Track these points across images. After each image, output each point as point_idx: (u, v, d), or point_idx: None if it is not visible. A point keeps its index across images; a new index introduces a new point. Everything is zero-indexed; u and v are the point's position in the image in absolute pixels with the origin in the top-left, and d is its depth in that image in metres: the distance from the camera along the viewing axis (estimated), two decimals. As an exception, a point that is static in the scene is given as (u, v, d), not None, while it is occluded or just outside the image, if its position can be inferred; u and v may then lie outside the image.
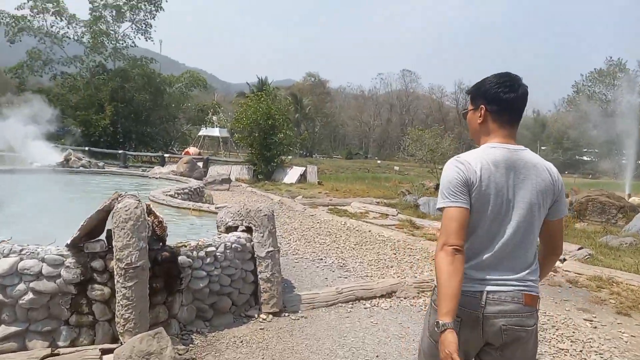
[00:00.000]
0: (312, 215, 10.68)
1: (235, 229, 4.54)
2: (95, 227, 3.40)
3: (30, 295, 3.18)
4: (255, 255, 4.38)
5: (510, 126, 1.85)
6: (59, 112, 28.33)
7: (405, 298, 5.17)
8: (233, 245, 4.18)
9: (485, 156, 1.79)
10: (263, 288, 4.33)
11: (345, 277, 5.97)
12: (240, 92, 48.62)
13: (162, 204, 6.55)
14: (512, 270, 1.78)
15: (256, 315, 4.26)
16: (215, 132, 33.75)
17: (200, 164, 20.47)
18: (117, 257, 3.25)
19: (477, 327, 1.75)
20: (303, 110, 52.48)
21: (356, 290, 5.02)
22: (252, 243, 4.39)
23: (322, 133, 63.02)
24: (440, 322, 1.64)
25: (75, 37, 30.28)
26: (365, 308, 4.81)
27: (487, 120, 1.87)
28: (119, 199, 3.44)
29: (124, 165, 22.75)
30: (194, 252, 3.82)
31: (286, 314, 4.41)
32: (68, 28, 30.02)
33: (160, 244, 3.66)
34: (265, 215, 4.40)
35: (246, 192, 15.00)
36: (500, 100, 1.83)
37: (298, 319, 4.35)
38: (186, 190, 8.39)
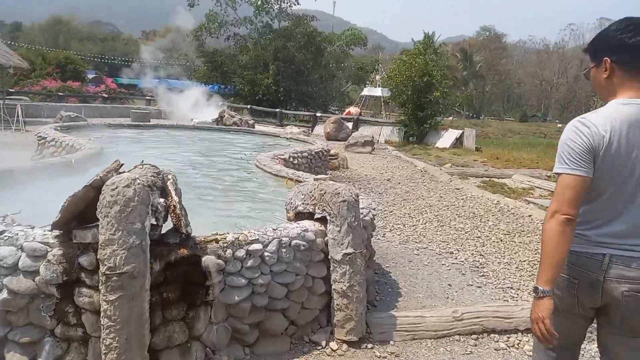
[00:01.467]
0: (458, 190, 8.87)
1: (310, 216, 3.30)
2: (87, 208, 2.47)
3: (4, 295, 2.42)
4: (329, 257, 3.10)
5: None
6: (231, 71, 30.35)
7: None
8: (294, 242, 2.95)
9: (616, 115, 1.62)
10: (337, 305, 3.06)
11: (479, 287, 4.33)
12: (405, 49, 46.13)
13: (263, 169, 5.63)
14: None
15: (324, 343, 3.02)
16: (377, 91, 32.44)
17: (349, 124, 19.59)
18: (99, 257, 2.28)
19: (594, 291, 1.67)
20: (473, 68, 47.79)
21: (485, 317, 3.41)
22: (326, 239, 3.11)
23: (494, 92, 56.94)
24: (539, 288, 1.62)
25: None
26: (496, 350, 3.20)
27: (614, 74, 1.67)
28: (115, 172, 2.45)
29: (279, 123, 23.13)
30: (228, 251, 2.70)
31: (369, 345, 3.09)
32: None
33: (179, 237, 2.61)
34: (345, 201, 3.04)
35: (389, 157, 13.60)
36: (627, 47, 1.63)
37: (386, 357, 2.99)
38: (305, 154, 7.41)
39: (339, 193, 3.09)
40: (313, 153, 7.64)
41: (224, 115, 15.86)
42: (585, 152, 1.60)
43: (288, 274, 2.94)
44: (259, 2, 30.24)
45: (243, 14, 31.92)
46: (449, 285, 4.35)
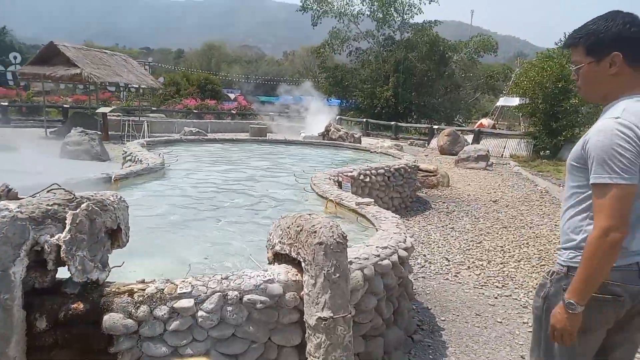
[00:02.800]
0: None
1: (290, 259, 2.48)
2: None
3: None
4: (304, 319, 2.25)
5: None
6: (352, 85, 30.26)
7: None
8: (248, 298, 2.17)
9: None
10: (310, 389, 2.18)
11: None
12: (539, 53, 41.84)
13: (313, 189, 4.91)
14: None
15: None
16: (514, 101, 29.51)
17: (468, 137, 17.86)
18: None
19: (633, 301, 1.61)
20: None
21: None
22: (302, 293, 2.27)
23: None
24: (576, 304, 1.54)
25: (368, 13, 31.26)
26: None
27: (624, 70, 1.58)
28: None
29: (395, 137, 22.14)
30: (143, 308, 2.02)
31: None
32: (362, 4, 31.25)
33: (78, 286, 2.01)
34: (321, 244, 2.17)
35: (506, 174, 11.80)
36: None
37: None
38: (380, 171, 6.48)
39: (315, 232, 2.23)
40: (392, 170, 6.67)
41: (330, 129, 15.49)
42: (637, 157, 1.48)
43: (237, 341, 2.16)
44: (381, 15, 29.73)
45: (365, 28, 31.71)
46: (522, 358, 3.13)
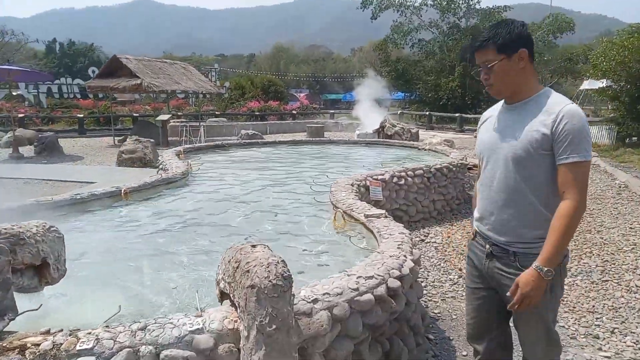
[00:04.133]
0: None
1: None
2: None
3: None
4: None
5: None
6: (415, 78, 29.11)
7: None
8: (167, 354, 1.77)
9: None
10: None
11: None
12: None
13: (331, 201, 4.43)
14: None
15: None
16: (598, 84, 26.80)
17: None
18: None
19: None
20: None
21: None
22: (242, 344, 1.84)
23: None
24: (552, 271, 1.68)
25: (431, 2, 29.91)
26: None
27: (528, 65, 1.80)
28: None
29: (460, 129, 20.92)
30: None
31: None
32: (426, -6, 29.93)
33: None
34: (253, 287, 1.72)
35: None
36: (532, 43, 1.82)
37: None
38: (418, 172, 5.85)
39: (248, 271, 1.78)
40: (432, 170, 6.00)
41: (385, 125, 14.79)
42: None
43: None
44: (444, 3, 28.28)
45: (428, 18, 30.37)
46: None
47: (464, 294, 3.94)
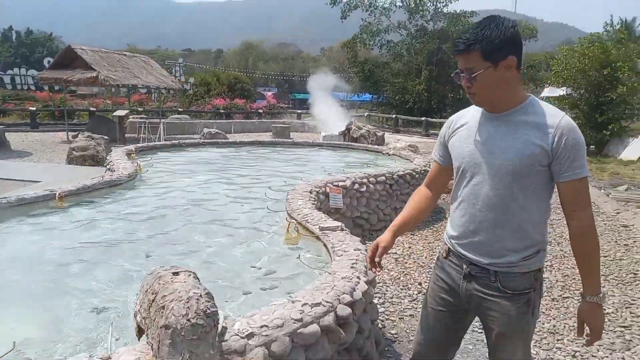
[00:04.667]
0: (625, 228, 6.06)
1: (159, 333, 1.74)
2: None
3: None
4: None
5: None
6: (382, 80, 29.15)
7: None
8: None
9: None
10: None
11: None
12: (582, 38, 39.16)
13: (287, 210, 4.14)
14: None
15: None
16: (559, 92, 27.50)
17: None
18: None
19: None
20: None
21: None
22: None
23: None
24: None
25: (400, 4, 30.05)
26: None
27: (515, 73, 1.58)
28: None
29: (425, 133, 21.04)
30: None
31: None
32: (394, -5, 30.03)
33: None
34: (167, 327, 1.42)
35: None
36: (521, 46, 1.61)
37: None
38: (380, 178, 5.65)
39: (164, 307, 1.48)
40: (395, 177, 5.81)
41: (351, 128, 14.65)
42: None
43: None
44: (412, 5, 28.46)
45: (397, 19, 30.50)
46: None
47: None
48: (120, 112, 15.20)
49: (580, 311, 1.64)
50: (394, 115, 23.74)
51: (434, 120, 22.16)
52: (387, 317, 3.64)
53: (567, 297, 4.05)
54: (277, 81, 64.24)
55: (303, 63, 73.85)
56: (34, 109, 20.42)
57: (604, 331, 1.97)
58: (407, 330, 3.43)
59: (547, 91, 28.39)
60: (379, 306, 3.77)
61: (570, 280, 4.41)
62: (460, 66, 1.61)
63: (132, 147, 7.67)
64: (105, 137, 11.21)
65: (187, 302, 1.48)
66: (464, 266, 1.74)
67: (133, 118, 18.50)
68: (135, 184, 5.43)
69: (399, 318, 3.63)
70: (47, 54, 47.00)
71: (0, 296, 2.61)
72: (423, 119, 21.74)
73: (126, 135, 15.08)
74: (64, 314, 2.42)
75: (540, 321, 3.63)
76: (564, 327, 3.55)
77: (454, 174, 1.80)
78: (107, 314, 2.41)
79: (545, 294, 4.12)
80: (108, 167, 6.26)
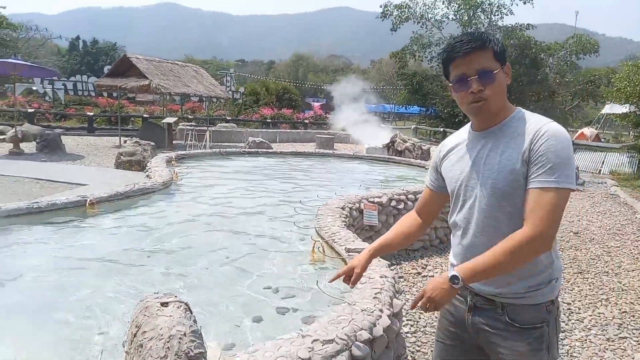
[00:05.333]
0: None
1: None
2: None
3: None
4: None
5: None
6: (431, 93, 28.59)
7: None
8: None
9: None
10: None
11: None
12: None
13: (315, 227, 3.94)
14: None
15: None
16: (621, 108, 25.87)
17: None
18: None
19: None
20: None
21: None
22: None
23: None
24: (461, 281, 1.42)
25: (453, 17, 29.43)
26: None
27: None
28: None
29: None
30: None
31: None
32: (447, 8, 29.48)
33: None
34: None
35: (599, 196, 9.84)
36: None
37: None
38: (419, 196, 5.33)
39: (141, 346, 1.31)
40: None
41: (396, 140, 14.32)
42: None
43: None
44: (465, 18, 27.77)
45: (448, 33, 29.87)
46: None
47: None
48: (170, 120, 15.59)
49: (432, 278, 1.50)
50: (441, 129, 23.11)
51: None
52: (417, 348, 3.35)
53: (625, 338, 3.60)
54: (325, 92, 64.76)
55: (353, 75, 74.12)
56: (92, 114, 21.35)
57: None
58: (439, 367, 3.12)
59: (608, 108, 26.90)
60: (409, 335, 3.48)
61: (629, 318, 3.94)
62: (464, 70, 1.44)
63: (173, 154, 7.73)
64: (152, 143, 11.46)
65: (168, 341, 1.30)
66: (468, 298, 1.61)
67: (183, 125, 18.98)
68: (170, 191, 5.40)
69: (431, 350, 3.32)
70: (109, 62, 49.51)
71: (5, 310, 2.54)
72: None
73: (174, 142, 15.43)
74: (59, 335, 2.31)
75: (591, 365, 3.22)
76: (621, 373, 3.13)
77: (450, 199, 1.69)
78: (104, 337, 2.28)
79: (599, 332, 3.69)
80: (147, 173, 6.30)
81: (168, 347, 1.28)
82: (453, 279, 1.40)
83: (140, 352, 1.30)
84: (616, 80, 14.29)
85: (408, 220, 1.87)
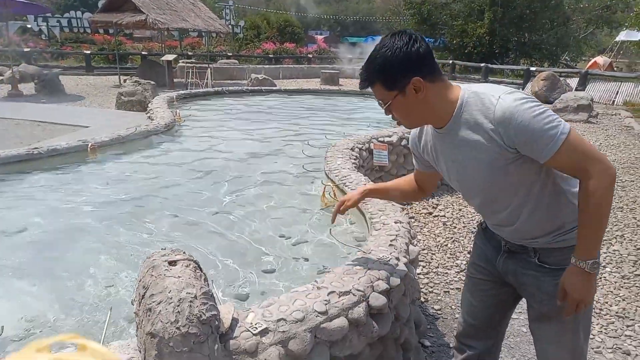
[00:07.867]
0: None
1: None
2: None
3: None
4: None
5: None
6: (439, 23, 27.41)
7: None
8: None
9: None
10: None
11: None
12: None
13: (324, 170, 3.82)
14: None
15: None
16: (637, 36, 24.74)
17: (572, 80, 15.16)
18: None
19: None
20: None
21: None
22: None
23: None
24: (599, 263, 1.40)
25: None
26: None
27: (430, 90, 1.41)
28: None
29: (484, 80, 19.68)
30: None
31: None
32: None
33: None
34: (153, 336, 1.17)
35: (613, 128, 9.58)
36: (425, 57, 1.40)
37: None
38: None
39: (150, 310, 1.22)
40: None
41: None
42: None
43: None
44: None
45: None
46: None
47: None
48: (169, 57, 15.10)
49: (565, 274, 1.43)
50: (450, 61, 22.30)
51: (494, 66, 20.67)
52: (430, 289, 3.33)
53: (641, 276, 3.56)
54: (329, 24, 62.31)
55: (357, 5, 70.87)
56: (89, 52, 20.72)
57: None
58: (453, 306, 3.11)
59: (624, 35, 25.77)
60: (421, 276, 3.46)
61: (645, 256, 3.89)
62: (376, 96, 1.49)
63: (174, 94, 7.50)
64: (152, 82, 11.13)
65: (178, 305, 1.21)
66: (502, 242, 1.63)
67: (183, 62, 18.43)
68: (173, 133, 5.25)
69: (444, 291, 3.31)
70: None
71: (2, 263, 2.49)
72: (482, 65, 20.27)
73: (175, 80, 15.03)
74: (65, 291, 2.26)
75: (607, 302, 3.20)
76: (636, 310, 3.11)
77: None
78: (112, 290, 2.23)
79: (614, 270, 3.66)
80: (148, 115, 6.12)
81: (178, 312, 1.20)
82: (593, 266, 1.37)
83: (149, 316, 1.22)
84: (637, 4, 13.51)
85: (409, 181, 1.86)
